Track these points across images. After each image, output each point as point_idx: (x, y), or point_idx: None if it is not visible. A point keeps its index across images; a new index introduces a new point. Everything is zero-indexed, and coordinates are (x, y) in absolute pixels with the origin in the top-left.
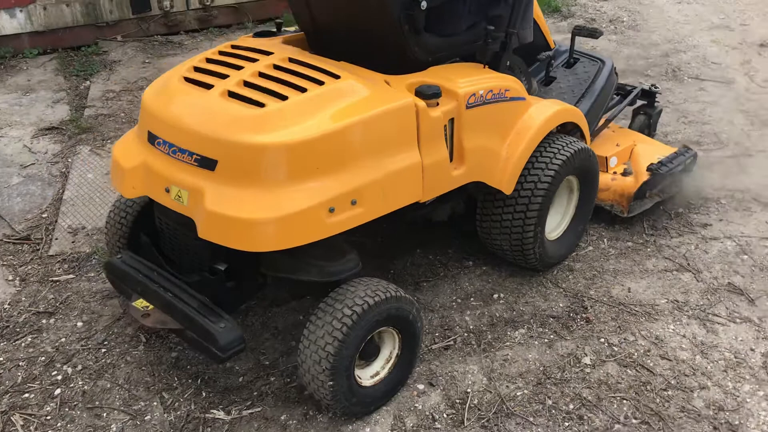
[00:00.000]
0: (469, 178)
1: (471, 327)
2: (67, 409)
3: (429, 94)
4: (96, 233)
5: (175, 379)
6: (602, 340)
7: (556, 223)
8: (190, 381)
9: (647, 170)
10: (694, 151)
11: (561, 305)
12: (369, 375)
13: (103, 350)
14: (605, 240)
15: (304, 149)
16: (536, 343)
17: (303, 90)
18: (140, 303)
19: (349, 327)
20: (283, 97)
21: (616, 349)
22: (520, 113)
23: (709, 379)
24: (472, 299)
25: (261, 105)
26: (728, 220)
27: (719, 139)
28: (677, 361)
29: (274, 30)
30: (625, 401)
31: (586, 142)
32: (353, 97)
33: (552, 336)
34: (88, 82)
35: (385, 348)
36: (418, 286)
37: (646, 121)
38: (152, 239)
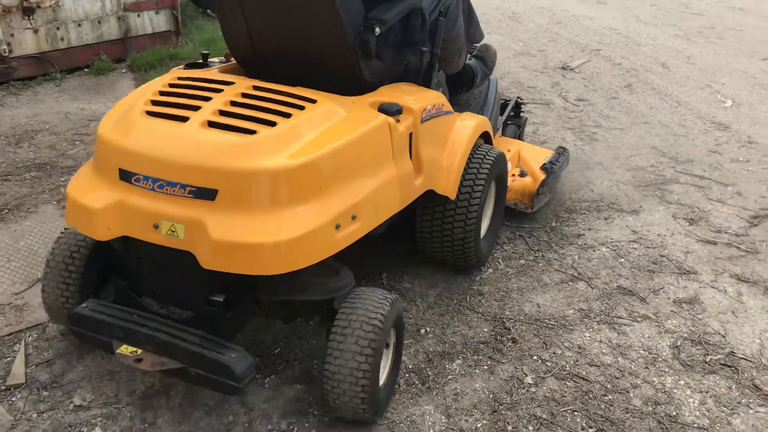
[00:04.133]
0: (425, 187)
1: (410, 366)
2: None
3: (393, 111)
4: None
5: None
6: (534, 357)
7: (482, 222)
8: None
9: (542, 169)
10: (568, 151)
11: (485, 330)
12: (381, 379)
13: None
14: (500, 261)
15: (307, 170)
16: (477, 371)
17: (287, 115)
18: (126, 349)
19: (376, 335)
20: (272, 123)
21: (549, 364)
22: (452, 125)
23: (636, 377)
24: None
25: (251, 132)
26: (596, 229)
27: None
28: (604, 366)
29: (201, 61)
30: (576, 413)
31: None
32: (337, 118)
33: (489, 362)
34: None
35: (386, 353)
36: None
37: (516, 129)
38: (127, 282)
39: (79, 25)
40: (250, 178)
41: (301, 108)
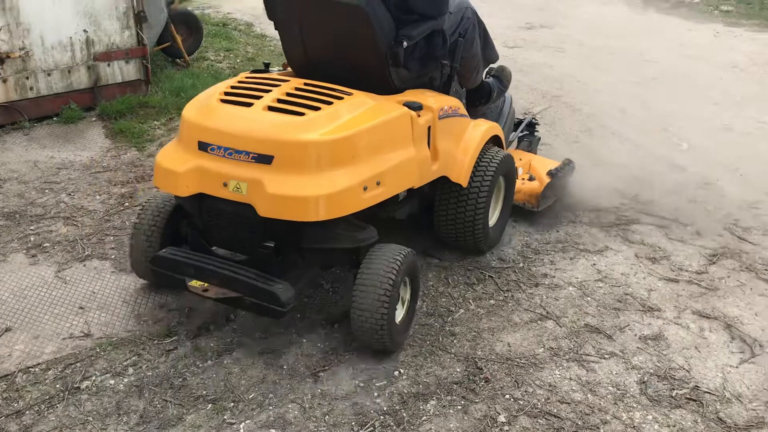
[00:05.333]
0: (440, 173)
1: (384, 409)
2: None
3: (415, 107)
4: None
5: None
6: (507, 396)
7: (492, 213)
8: None
9: (547, 175)
10: (574, 163)
11: (458, 370)
12: (398, 318)
13: None
14: (471, 302)
15: (343, 143)
16: (451, 411)
17: (329, 103)
18: (196, 283)
19: (394, 276)
20: (316, 108)
21: (521, 402)
22: (467, 127)
23: (606, 413)
24: (375, 380)
25: (300, 114)
26: (562, 269)
27: None
28: (574, 403)
29: (264, 69)
30: None
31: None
32: (367, 106)
33: (462, 402)
34: None
35: (403, 295)
36: (317, 377)
37: (528, 145)
38: (198, 232)
39: (49, 75)
40: (298, 147)
41: (340, 98)
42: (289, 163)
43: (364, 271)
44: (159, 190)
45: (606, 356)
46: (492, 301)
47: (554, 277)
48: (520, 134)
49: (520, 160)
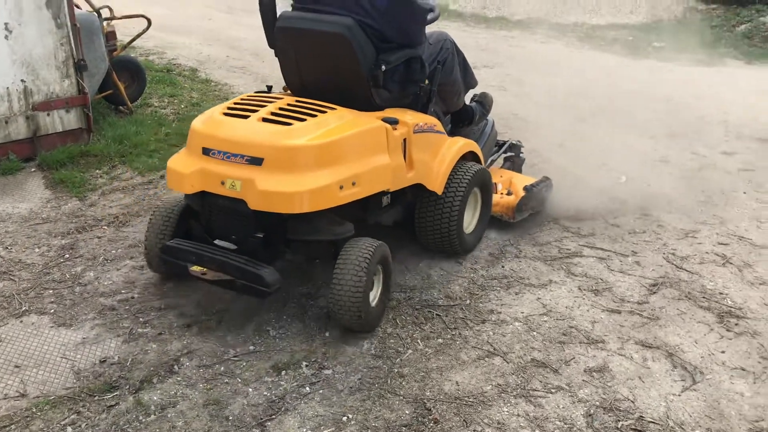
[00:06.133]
0: (416, 180)
1: None
2: None
3: (391, 121)
4: None
5: None
6: None
7: (469, 221)
8: None
9: (523, 189)
10: (551, 180)
11: (407, 412)
12: (372, 299)
13: None
14: (419, 341)
15: (323, 148)
16: None
17: (314, 115)
18: (197, 268)
19: (367, 263)
20: (302, 120)
21: None
22: (443, 142)
23: None
24: (323, 427)
25: (288, 124)
26: (508, 304)
27: None
28: None
29: (266, 90)
30: None
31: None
32: (347, 119)
33: None
34: None
35: (376, 281)
36: (264, 427)
37: (512, 166)
38: (197, 221)
39: None
40: (284, 151)
41: (324, 112)
42: (276, 165)
43: (341, 259)
44: (166, 196)
45: (553, 390)
46: (440, 340)
47: (500, 312)
48: (506, 155)
49: (501, 177)
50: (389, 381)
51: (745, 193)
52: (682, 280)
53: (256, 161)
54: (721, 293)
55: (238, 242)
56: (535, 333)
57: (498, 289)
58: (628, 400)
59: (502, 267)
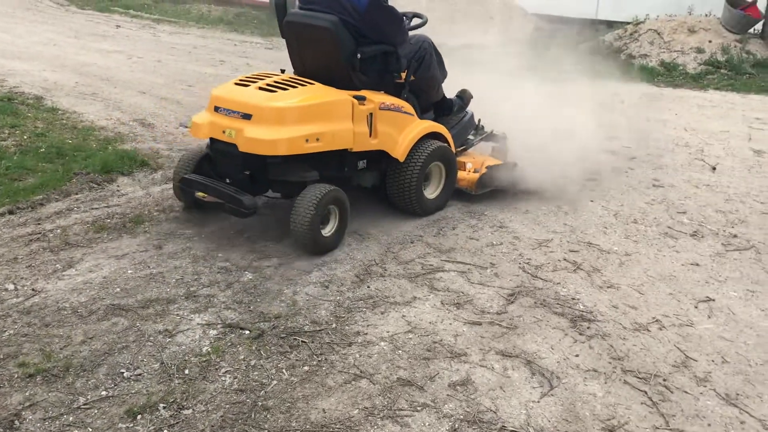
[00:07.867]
0: (379, 146)
1: None
2: None
3: (359, 98)
4: None
5: None
6: None
7: (434, 189)
8: None
9: (485, 168)
10: (517, 164)
11: None
12: (326, 232)
13: None
14: (285, 371)
15: (296, 110)
16: None
17: (296, 87)
18: (201, 194)
19: (318, 201)
20: (285, 89)
21: None
22: (410, 122)
23: None
24: None
25: (274, 91)
26: (374, 324)
27: None
28: None
29: (281, 72)
30: None
31: (450, 147)
32: (321, 92)
33: None
34: None
35: (332, 217)
36: None
37: (494, 153)
38: (210, 164)
39: None
40: (266, 110)
41: (304, 86)
42: (261, 119)
43: (299, 197)
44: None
45: (419, 408)
46: (306, 368)
47: (367, 333)
48: (492, 144)
49: (474, 158)
50: (253, 415)
51: (591, 201)
52: (537, 288)
53: (247, 116)
54: (573, 298)
55: (231, 178)
56: (400, 351)
57: (364, 309)
58: (491, 411)
59: (368, 287)
